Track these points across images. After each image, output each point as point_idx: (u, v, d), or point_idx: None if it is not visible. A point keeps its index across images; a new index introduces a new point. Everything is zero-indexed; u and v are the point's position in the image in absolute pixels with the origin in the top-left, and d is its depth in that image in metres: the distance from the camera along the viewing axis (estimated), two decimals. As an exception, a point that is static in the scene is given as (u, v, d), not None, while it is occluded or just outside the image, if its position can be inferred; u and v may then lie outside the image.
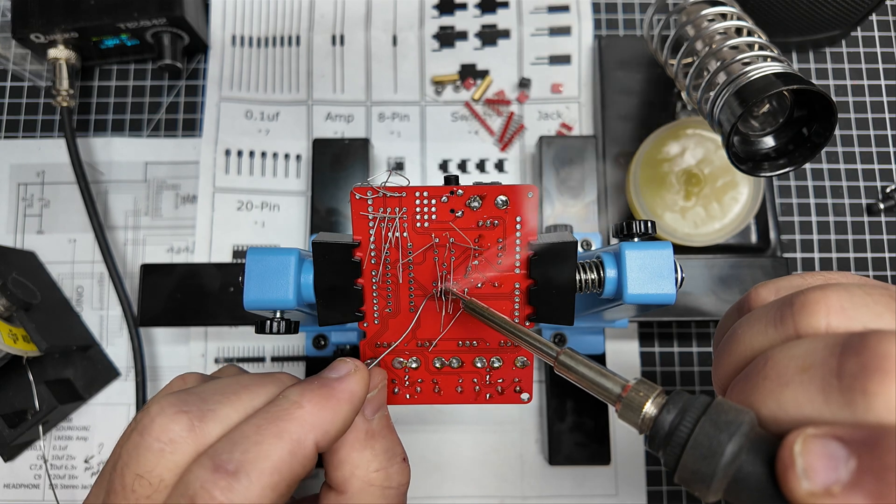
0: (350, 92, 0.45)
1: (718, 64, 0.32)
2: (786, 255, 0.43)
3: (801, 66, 0.46)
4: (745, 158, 0.32)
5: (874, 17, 0.46)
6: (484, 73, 0.45)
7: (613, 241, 0.33)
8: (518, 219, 0.23)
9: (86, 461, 0.40)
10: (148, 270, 0.38)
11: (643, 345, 0.42)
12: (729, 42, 0.32)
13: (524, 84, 0.45)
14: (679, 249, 0.40)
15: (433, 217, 0.23)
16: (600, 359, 0.39)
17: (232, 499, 0.18)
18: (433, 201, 0.23)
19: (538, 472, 0.40)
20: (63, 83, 0.42)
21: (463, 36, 0.46)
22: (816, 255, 0.43)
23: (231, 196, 0.43)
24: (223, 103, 0.45)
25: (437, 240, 0.23)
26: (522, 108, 0.45)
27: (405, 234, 0.23)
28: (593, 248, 0.38)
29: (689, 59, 0.35)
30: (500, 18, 0.46)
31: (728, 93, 0.30)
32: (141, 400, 0.40)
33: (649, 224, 0.24)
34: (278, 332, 0.23)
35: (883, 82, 0.45)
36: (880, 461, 0.14)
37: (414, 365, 0.25)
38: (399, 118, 0.45)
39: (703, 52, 0.33)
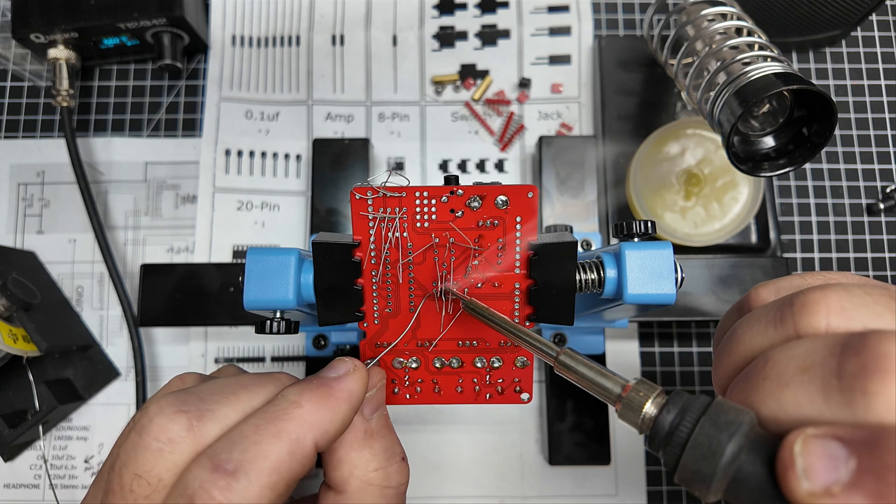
0: (350, 92, 0.45)
1: (718, 64, 0.32)
2: (786, 255, 0.43)
3: (801, 66, 0.46)
4: (745, 158, 0.32)
5: (874, 17, 0.46)
6: (484, 73, 0.45)
7: (613, 241, 0.33)
8: (518, 219, 0.23)
9: (86, 461, 0.40)
10: (148, 270, 0.38)
11: (643, 345, 0.42)
12: (729, 42, 0.32)
13: (524, 84, 0.45)
14: (679, 249, 0.40)
15: (433, 217, 0.23)
16: (600, 359, 0.39)
17: (231, 498, 0.18)
18: (433, 201, 0.23)
19: (538, 472, 0.40)
20: (63, 83, 0.42)
21: (463, 36, 0.46)
22: (816, 255, 0.43)
23: (231, 196, 0.43)
24: (223, 103, 0.45)
25: (437, 240, 0.23)
26: (522, 108, 0.45)
27: (405, 234, 0.23)
28: (593, 248, 0.38)
29: (689, 59, 0.35)
30: (500, 18, 0.46)
31: (728, 93, 0.30)
32: (141, 400, 0.40)
33: (649, 224, 0.24)
34: (278, 332, 0.23)
35: (883, 82, 0.45)
36: (880, 461, 0.14)
37: (414, 365, 0.25)
38: (399, 118, 0.45)
39: (703, 52, 0.33)
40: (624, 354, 0.41)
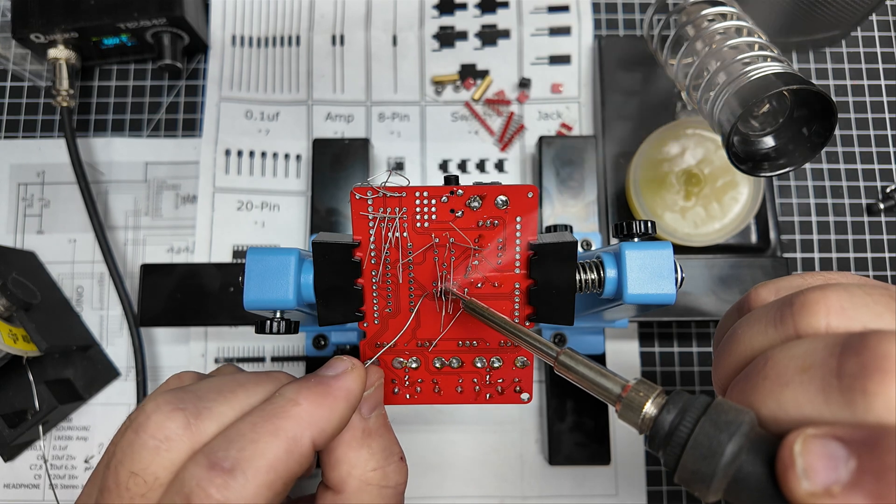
0: (350, 92, 0.45)
1: (718, 64, 0.32)
2: (786, 255, 0.43)
3: (801, 66, 0.46)
4: (745, 158, 0.32)
5: (874, 17, 0.46)
6: (484, 73, 0.45)
7: (613, 241, 0.33)
8: (518, 219, 0.23)
9: (86, 461, 0.40)
10: (148, 270, 0.38)
11: (643, 345, 0.42)
12: (729, 42, 0.32)
13: (524, 84, 0.45)
14: (679, 249, 0.40)
15: (433, 217, 0.23)
16: (600, 359, 0.39)
17: (228, 497, 0.18)
18: (433, 201, 0.23)
19: (538, 472, 0.40)
20: (63, 83, 0.42)
21: (463, 36, 0.46)
22: (816, 255, 0.43)
23: (231, 196, 0.43)
24: (223, 103, 0.45)
25: (437, 240, 0.23)
26: (522, 108, 0.45)
27: (405, 234, 0.23)
28: (593, 248, 0.38)
29: (689, 59, 0.35)
30: (500, 18, 0.46)
31: (728, 93, 0.30)
32: (141, 400, 0.40)
33: (649, 224, 0.24)
34: (278, 332, 0.23)
35: (883, 82, 0.45)
36: (880, 461, 0.14)
37: (414, 365, 0.25)
38: (399, 118, 0.45)
39: (703, 52, 0.33)
40: (624, 354, 0.41)
